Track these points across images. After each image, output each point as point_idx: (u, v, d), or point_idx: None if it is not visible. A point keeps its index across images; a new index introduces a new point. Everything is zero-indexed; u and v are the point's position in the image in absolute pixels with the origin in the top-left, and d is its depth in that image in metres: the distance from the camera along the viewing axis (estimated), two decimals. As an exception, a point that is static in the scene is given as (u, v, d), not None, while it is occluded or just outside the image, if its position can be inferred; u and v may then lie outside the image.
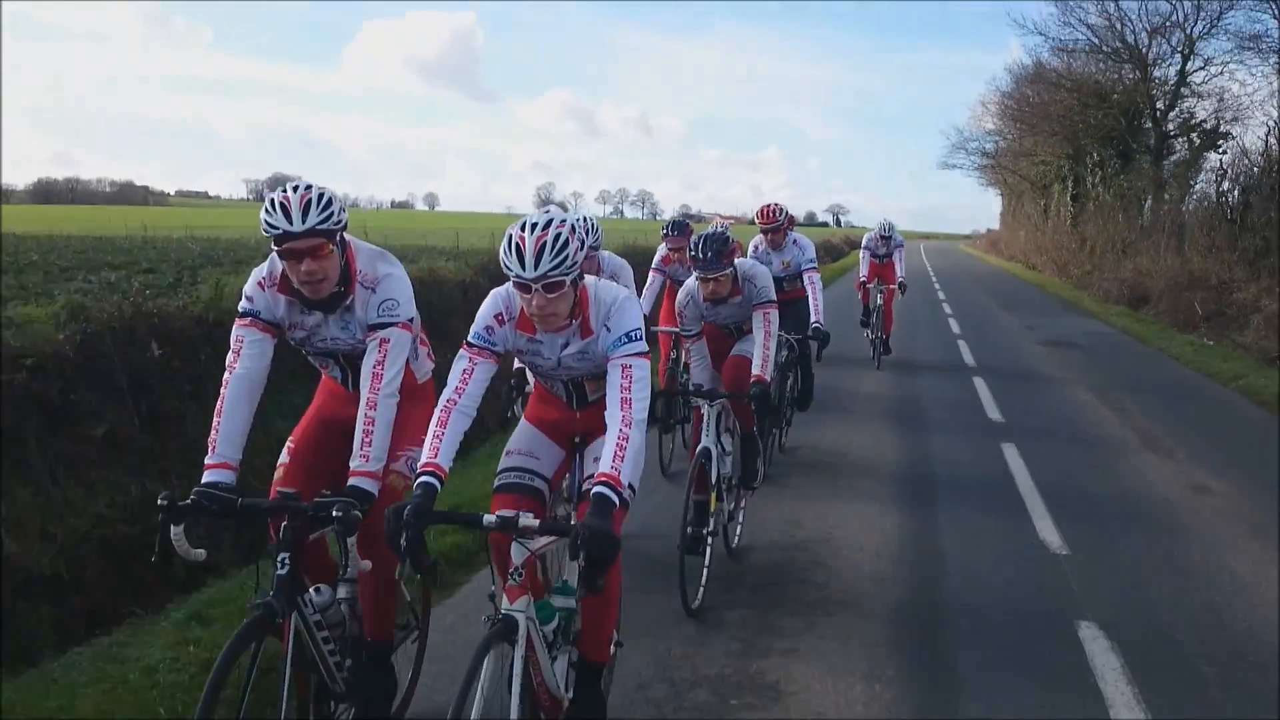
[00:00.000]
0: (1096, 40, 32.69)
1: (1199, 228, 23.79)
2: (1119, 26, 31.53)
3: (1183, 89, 31.52)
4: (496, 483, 3.74)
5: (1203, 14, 29.31)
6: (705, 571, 5.38)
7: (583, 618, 3.62)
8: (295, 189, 3.31)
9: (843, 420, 10.22)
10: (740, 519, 6.22)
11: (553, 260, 3.14)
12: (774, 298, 5.76)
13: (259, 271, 3.53)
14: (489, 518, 3.08)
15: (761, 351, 5.54)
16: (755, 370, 5.49)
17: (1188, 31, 30.21)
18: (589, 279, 3.53)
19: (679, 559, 5.09)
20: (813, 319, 8.02)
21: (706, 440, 5.42)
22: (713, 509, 5.44)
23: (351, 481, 3.28)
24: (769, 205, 8.43)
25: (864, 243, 14.28)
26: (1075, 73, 35.08)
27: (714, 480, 5.42)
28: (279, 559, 3.14)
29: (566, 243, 3.16)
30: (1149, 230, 27.82)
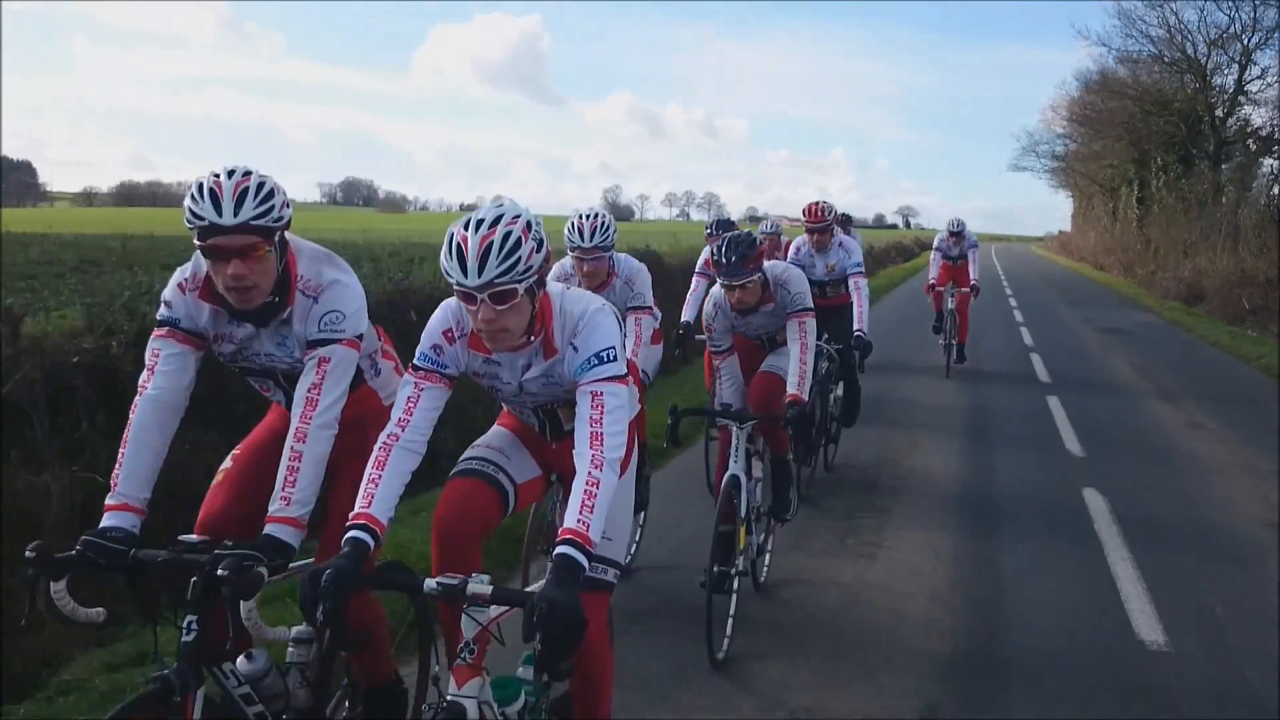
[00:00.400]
0: (1158, 51, 34.62)
1: (1252, 229, 26.10)
2: (1179, 38, 33.37)
3: (1240, 97, 33.35)
4: (454, 470, 3.17)
5: (1259, 26, 31.34)
6: (731, 619, 4.73)
7: (573, 702, 3.02)
8: (231, 173, 2.70)
9: (898, 434, 9.46)
10: (770, 549, 5.56)
11: (501, 264, 2.56)
12: (810, 305, 5.09)
13: (181, 272, 2.94)
14: (430, 583, 2.49)
15: (798, 367, 4.87)
16: (791, 388, 4.82)
17: (1245, 43, 32.09)
18: (555, 287, 2.93)
19: (706, 601, 4.44)
20: (855, 327, 7.34)
21: (735, 467, 4.76)
22: (741, 544, 4.79)
23: (267, 530, 2.67)
24: (816, 203, 7.76)
25: (935, 244, 13.48)
26: (1139, 81, 36.83)
27: (743, 511, 4.77)
28: (184, 622, 2.57)
29: (519, 243, 2.59)
30: (1208, 231, 29.44)
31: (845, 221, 13.15)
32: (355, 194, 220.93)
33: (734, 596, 4.78)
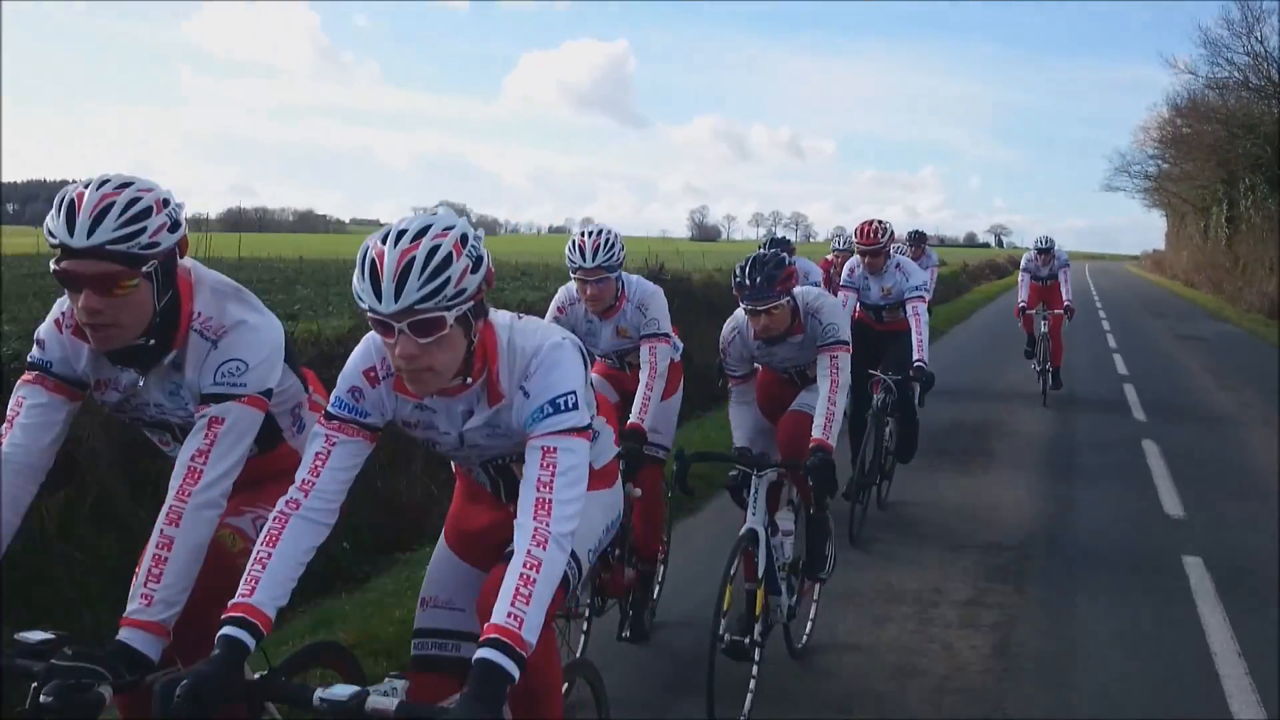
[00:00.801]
0: (1243, 77, 35.11)
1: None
2: (1265, 66, 33.80)
3: (1324, 122, 33.87)
4: (413, 651, 2.70)
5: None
6: (750, 694, 4.09)
7: None
8: (102, 184, 2.23)
9: (967, 466, 8.66)
10: (812, 614, 4.92)
11: (424, 286, 2.05)
12: (845, 338, 4.45)
13: (59, 305, 2.48)
14: (321, 694, 1.95)
15: (825, 408, 4.23)
16: (816, 432, 4.19)
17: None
18: (502, 316, 2.40)
19: (708, 660, 3.81)
20: (915, 356, 6.66)
21: (752, 520, 4.15)
22: (759, 608, 4.15)
23: (120, 635, 2.15)
24: (869, 222, 7.12)
25: (1023, 263, 12.55)
26: (1226, 106, 37.18)
27: (762, 570, 4.15)
28: None
29: (449, 259, 2.09)
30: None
31: (919, 240, 12.41)
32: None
33: (755, 666, 4.15)
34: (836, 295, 7.06)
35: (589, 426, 2.32)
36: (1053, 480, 8.36)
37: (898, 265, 7.22)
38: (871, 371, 6.96)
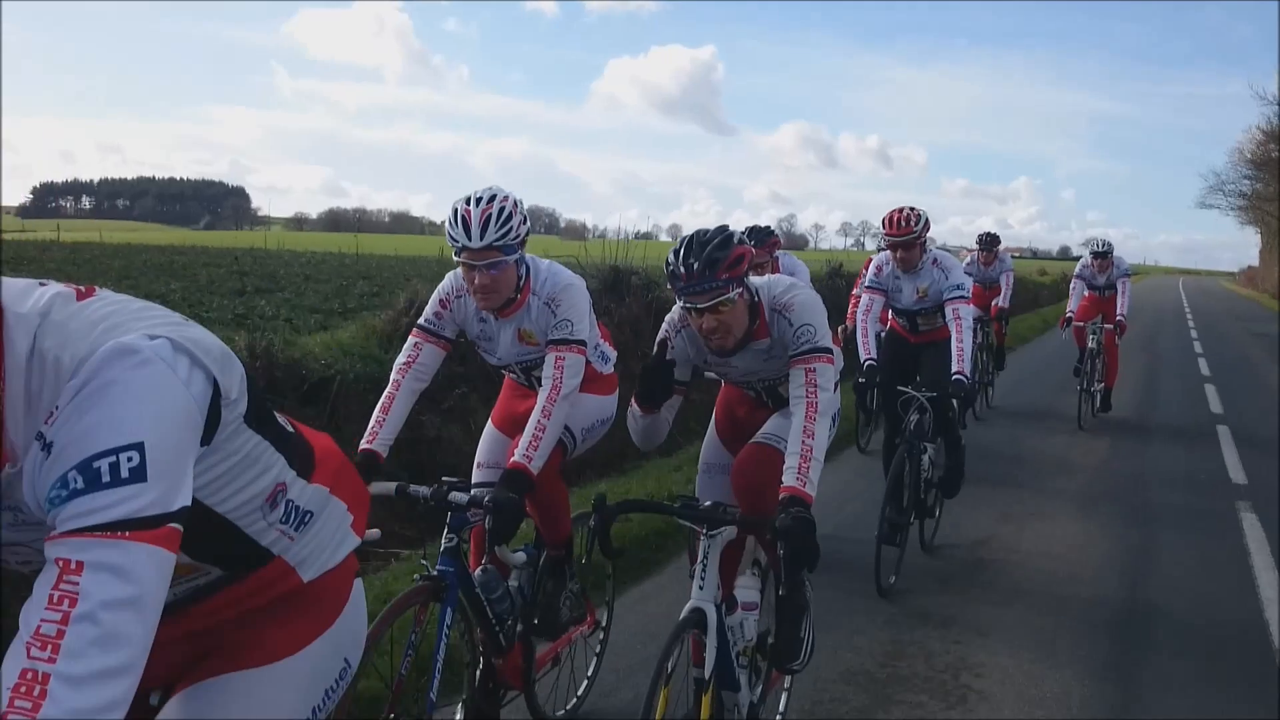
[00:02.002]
0: None
1: None
2: None
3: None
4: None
5: None
6: None
7: None
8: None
9: (1025, 503, 7.29)
10: (781, 707, 3.72)
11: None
12: (826, 344, 3.19)
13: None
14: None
15: (800, 443, 2.96)
16: (788, 478, 2.93)
17: None
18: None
19: None
20: (954, 368, 5.40)
21: (699, 595, 2.93)
22: (705, 713, 2.94)
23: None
24: (900, 209, 5.81)
25: (1076, 269, 10.96)
26: None
27: (712, 663, 2.90)
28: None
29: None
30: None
31: (992, 242, 10.92)
32: (537, 221, 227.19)
33: None
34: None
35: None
36: (1125, 523, 6.94)
37: (935, 261, 5.88)
38: (902, 389, 5.71)
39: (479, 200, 3.16)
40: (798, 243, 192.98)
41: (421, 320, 3.46)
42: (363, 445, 3.16)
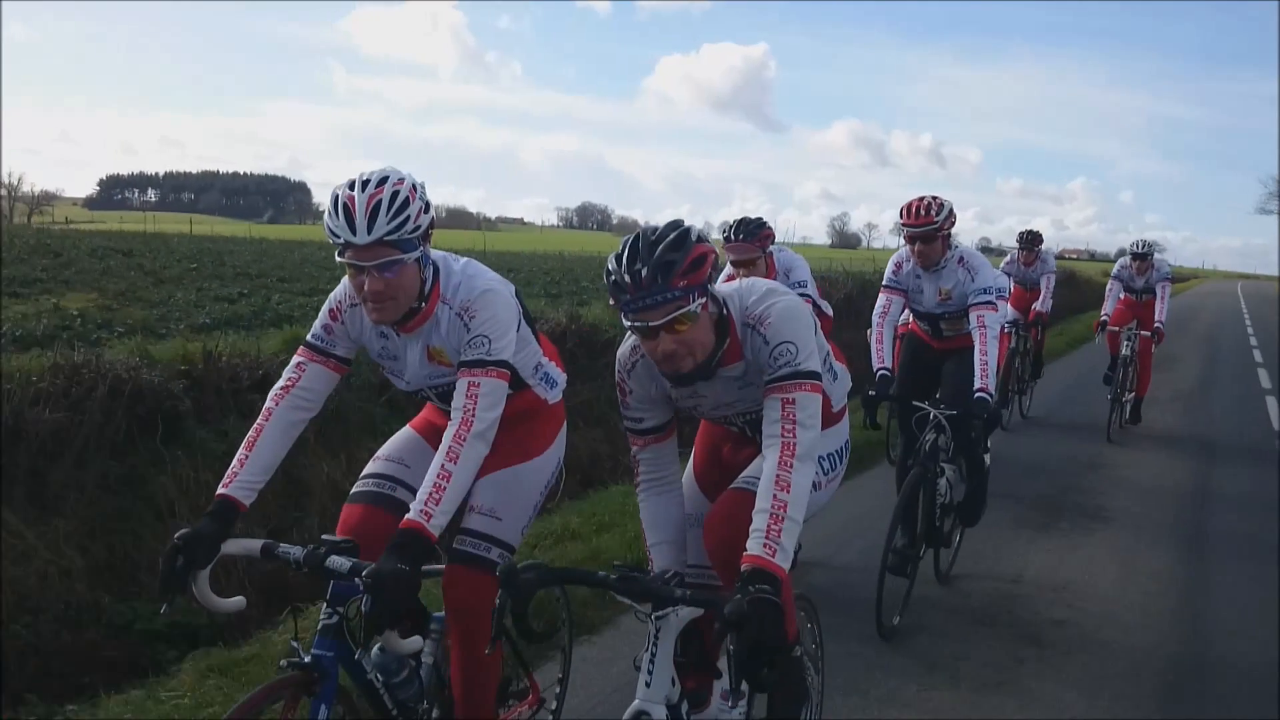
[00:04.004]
0: None
1: None
2: None
3: None
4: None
5: None
6: None
7: None
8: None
9: (1059, 524, 6.49)
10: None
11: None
12: (811, 367, 2.48)
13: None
14: None
15: (771, 497, 2.28)
16: (753, 545, 2.23)
17: None
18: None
19: None
20: (976, 383, 4.68)
21: (644, 696, 2.24)
22: None
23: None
24: (921, 198, 5.06)
25: (1114, 270, 10.12)
26: None
27: None
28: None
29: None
30: None
31: (1033, 240, 10.08)
32: (589, 218, 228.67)
33: None
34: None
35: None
36: (1175, 554, 6.13)
37: (961, 259, 5.12)
38: (919, 404, 4.99)
39: (366, 183, 2.46)
40: (850, 241, 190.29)
41: (309, 335, 2.75)
42: (220, 490, 2.48)
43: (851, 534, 5.94)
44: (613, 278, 2.35)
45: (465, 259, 2.77)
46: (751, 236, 5.12)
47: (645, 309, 2.31)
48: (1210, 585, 5.54)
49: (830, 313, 5.81)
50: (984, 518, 5.55)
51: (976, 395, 4.68)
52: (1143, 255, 9.65)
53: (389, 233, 2.42)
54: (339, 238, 2.43)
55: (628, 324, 2.38)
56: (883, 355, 5.03)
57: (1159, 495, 7.63)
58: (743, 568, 2.18)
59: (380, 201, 2.42)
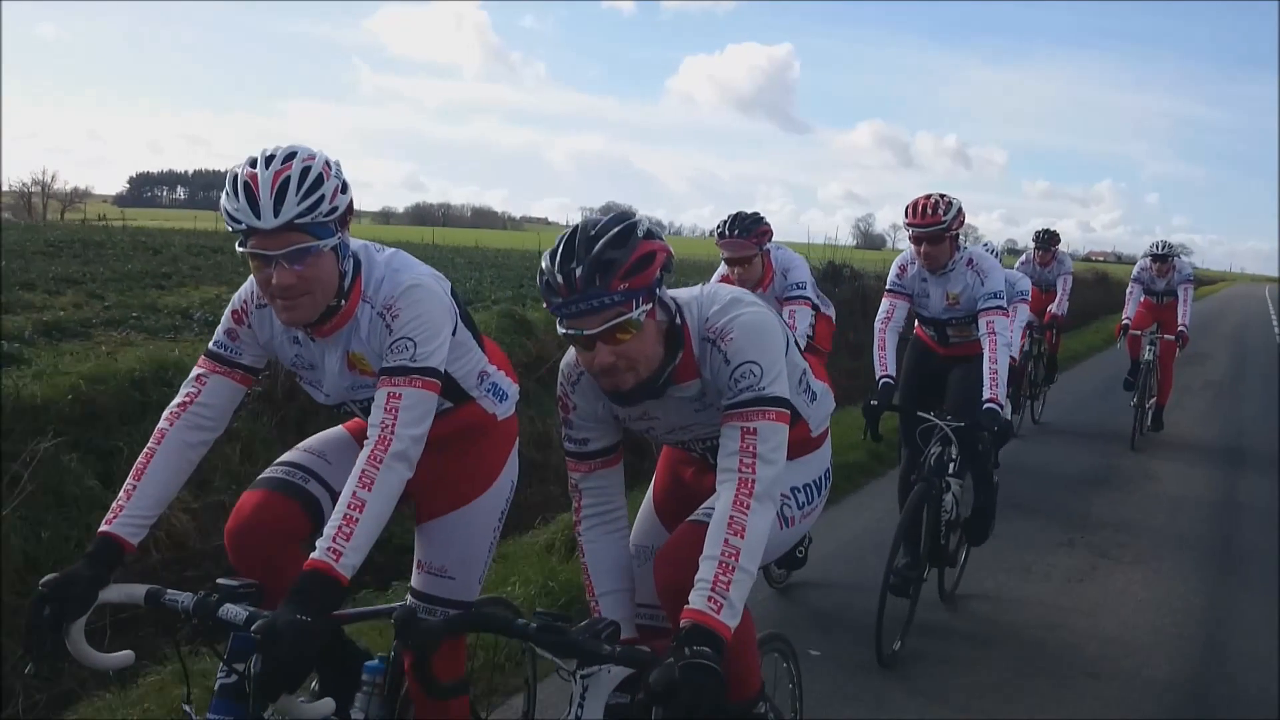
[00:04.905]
0: None
1: None
2: None
3: None
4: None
5: None
6: None
7: None
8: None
9: (1066, 543, 6.10)
10: None
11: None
12: (777, 392, 2.14)
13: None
14: None
15: (720, 546, 1.97)
16: (695, 598, 1.92)
17: None
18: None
19: None
20: (985, 394, 4.35)
21: None
22: None
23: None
24: (928, 196, 4.68)
25: (1134, 272, 9.70)
26: None
27: None
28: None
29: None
30: None
31: (1050, 240, 9.72)
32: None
33: None
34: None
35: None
36: (1202, 574, 5.75)
37: (970, 261, 4.75)
38: (924, 415, 4.66)
39: (271, 158, 2.11)
40: (875, 242, 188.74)
41: (210, 343, 2.39)
42: (102, 527, 2.13)
43: (852, 553, 5.59)
44: (544, 277, 2.04)
45: (392, 249, 2.40)
46: (747, 232, 4.81)
47: (580, 315, 2.00)
48: (1238, 610, 5.17)
49: (832, 313, 5.48)
50: (993, 531, 5.22)
51: (985, 406, 4.35)
52: (1163, 257, 9.25)
53: (299, 215, 2.06)
54: (240, 223, 2.06)
55: (562, 331, 2.06)
56: (886, 363, 4.70)
57: (1183, 508, 7.23)
58: (681, 623, 1.87)
59: (289, 179, 2.07)
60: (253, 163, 2.11)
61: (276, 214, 2.05)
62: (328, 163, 2.16)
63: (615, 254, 2.00)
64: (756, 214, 4.86)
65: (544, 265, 2.05)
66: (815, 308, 5.18)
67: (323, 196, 2.10)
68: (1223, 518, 7.06)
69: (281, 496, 2.39)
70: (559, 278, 2.00)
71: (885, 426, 4.77)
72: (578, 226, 2.08)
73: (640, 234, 2.06)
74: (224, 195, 2.10)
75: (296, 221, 2.06)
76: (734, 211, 4.90)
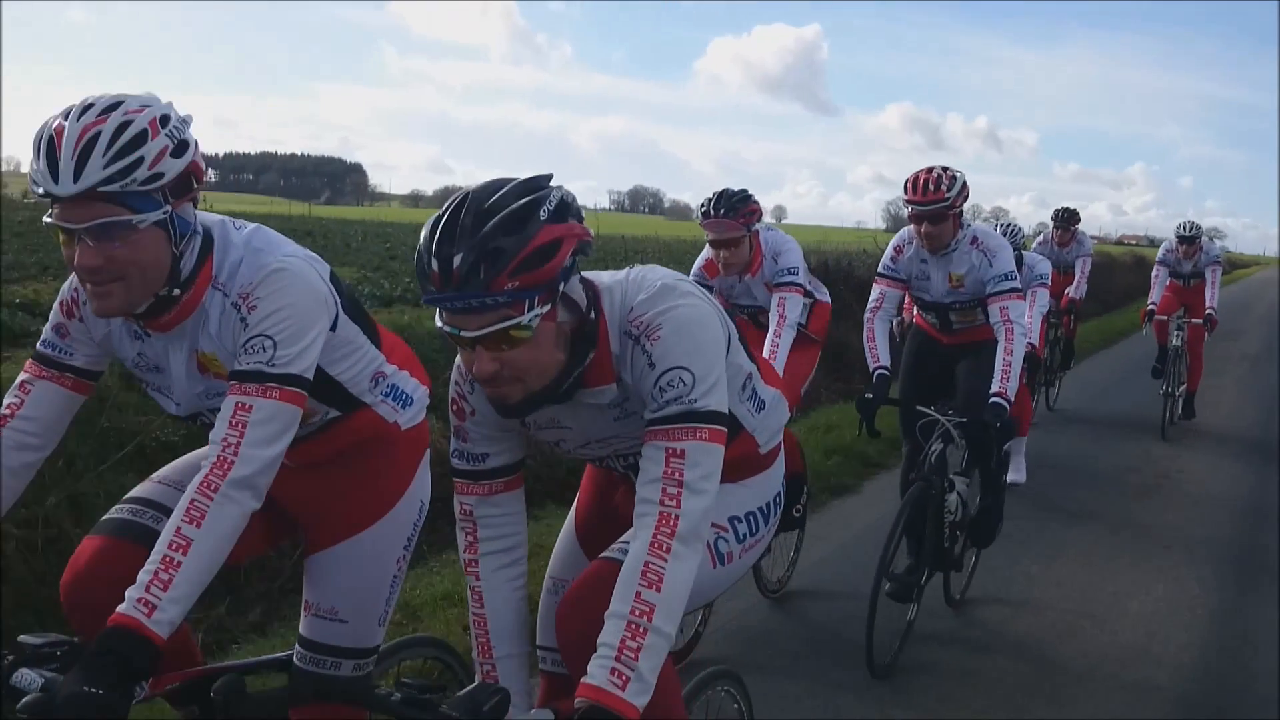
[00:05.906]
0: None
1: None
2: None
3: None
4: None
5: None
6: None
7: None
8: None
9: (1082, 542, 5.67)
10: None
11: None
12: (711, 406, 1.74)
13: None
14: None
15: (629, 603, 1.61)
16: (595, 671, 1.56)
17: None
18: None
19: None
20: (993, 388, 3.95)
21: None
22: None
23: None
24: (929, 169, 4.24)
25: (1159, 255, 9.24)
26: None
27: None
28: None
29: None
30: None
31: (1069, 219, 9.23)
32: (641, 201, 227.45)
33: None
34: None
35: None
36: (1231, 578, 5.30)
37: (974, 240, 4.30)
38: (924, 410, 4.25)
39: (87, 109, 1.73)
40: (905, 225, 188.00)
41: (39, 344, 2.01)
42: None
43: (845, 557, 5.19)
44: (421, 262, 1.65)
45: (254, 225, 2.01)
46: (733, 211, 4.40)
47: (460, 312, 1.61)
48: (1270, 623, 4.73)
49: (827, 298, 5.06)
50: (1002, 530, 4.81)
51: (992, 400, 3.95)
52: (1190, 238, 8.74)
53: (105, 181, 1.67)
54: (40, 187, 1.69)
55: (439, 326, 1.68)
56: (878, 353, 4.30)
57: (1211, 506, 6.74)
58: (576, 703, 1.51)
59: (99, 135, 1.68)
60: (66, 113, 1.72)
61: (76, 178, 1.67)
62: (161, 118, 1.76)
63: (507, 242, 1.60)
64: (744, 191, 4.46)
65: (421, 242, 1.66)
66: (809, 294, 4.77)
67: (140, 159, 1.70)
68: (1255, 519, 6.57)
69: (125, 543, 1.97)
70: (434, 264, 1.61)
71: (883, 422, 4.36)
72: (467, 195, 1.68)
73: (545, 214, 1.65)
74: (31, 156, 1.73)
75: (102, 189, 1.68)
76: (719, 189, 4.49)
